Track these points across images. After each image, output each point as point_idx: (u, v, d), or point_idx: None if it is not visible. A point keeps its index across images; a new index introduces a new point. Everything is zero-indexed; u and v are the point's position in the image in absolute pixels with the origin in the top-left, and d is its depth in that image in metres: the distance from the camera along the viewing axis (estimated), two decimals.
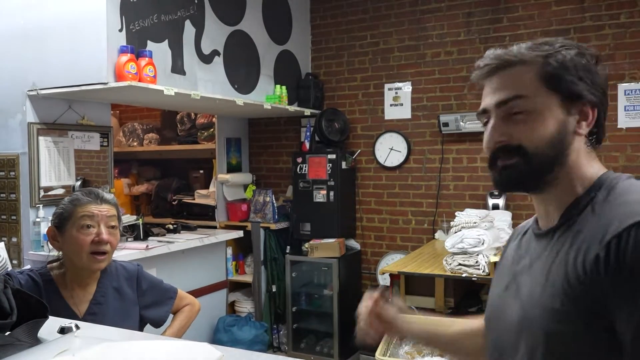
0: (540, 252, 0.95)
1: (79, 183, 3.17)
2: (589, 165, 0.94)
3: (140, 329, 1.81)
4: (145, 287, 1.82)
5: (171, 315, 1.94)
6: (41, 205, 3.01)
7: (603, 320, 0.81)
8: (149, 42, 3.04)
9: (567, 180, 0.93)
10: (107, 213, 1.66)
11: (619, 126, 3.53)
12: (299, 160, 4.17)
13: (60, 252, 1.69)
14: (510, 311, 0.96)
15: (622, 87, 3.51)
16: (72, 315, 1.60)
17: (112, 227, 1.67)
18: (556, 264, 0.89)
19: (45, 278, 1.65)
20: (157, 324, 1.87)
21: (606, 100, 0.95)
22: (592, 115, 0.92)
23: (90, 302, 1.68)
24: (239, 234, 4.14)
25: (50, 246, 1.72)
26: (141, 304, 1.80)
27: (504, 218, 3.36)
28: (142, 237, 3.41)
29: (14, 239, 3.06)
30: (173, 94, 2.97)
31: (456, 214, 3.32)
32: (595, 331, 0.83)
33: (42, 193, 3.05)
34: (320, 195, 4.10)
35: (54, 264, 1.71)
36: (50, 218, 1.74)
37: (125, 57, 2.78)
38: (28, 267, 1.75)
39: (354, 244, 4.31)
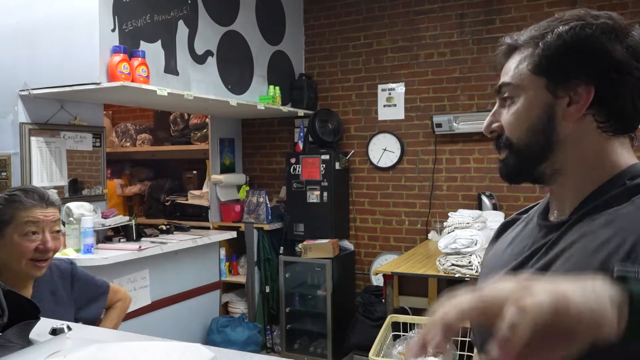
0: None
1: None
2: (611, 154, 0.84)
3: None
4: (80, 286, 1.78)
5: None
6: None
7: None
8: (142, 42, 3.03)
9: (578, 171, 0.85)
10: (52, 218, 1.60)
11: None
12: (293, 160, 4.17)
13: None
14: None
15: None
16: None
17: (57, 231, 1.61)
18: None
19: None
20: (92, 322, 1.80)
21: (626, 77, 0.80)
22: (585, 97, 0.81)
23: None
24: (233, 234, 4.12)
25: None
26: (76, 305, 1.76)
27: (496, 218, 3.37)
28: (134, 238, 3.39)
29: None
30: (166, 94, 2.96)
31: (449, 214, 3.33)
32: None
33: None
34: (313, 196, 4.10)
35: None
36: None
37: (118, 57, 2.77)
38: None
39: (348, 244, 4.31)
